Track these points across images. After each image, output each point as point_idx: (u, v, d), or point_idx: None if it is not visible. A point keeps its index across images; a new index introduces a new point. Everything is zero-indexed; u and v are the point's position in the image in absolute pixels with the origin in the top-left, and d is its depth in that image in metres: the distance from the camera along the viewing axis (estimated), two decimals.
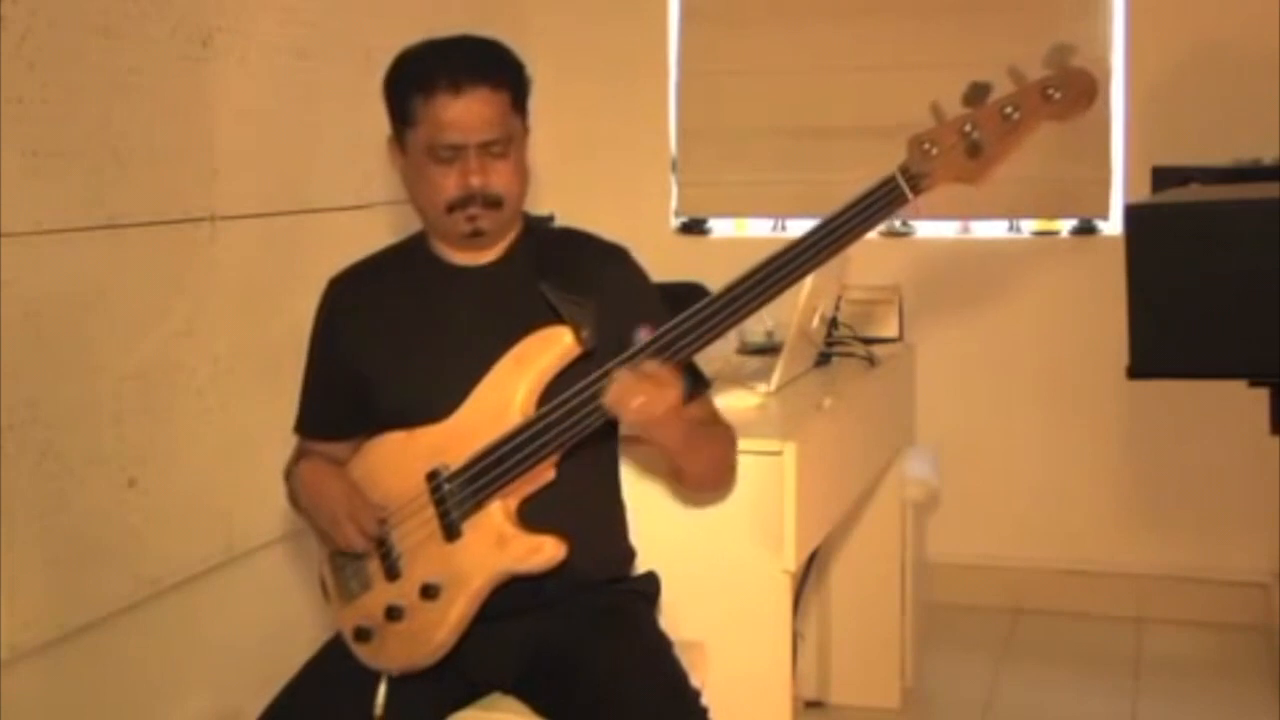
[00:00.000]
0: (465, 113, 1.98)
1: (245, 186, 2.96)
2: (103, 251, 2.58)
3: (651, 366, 1.89)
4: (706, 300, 1.92)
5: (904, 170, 1.86)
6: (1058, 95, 1.81)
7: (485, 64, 2.03)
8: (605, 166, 4.42)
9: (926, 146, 1.85)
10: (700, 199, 4.42)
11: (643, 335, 1.92)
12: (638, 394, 1.89)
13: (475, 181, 2.01)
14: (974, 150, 1.84)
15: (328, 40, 3.24)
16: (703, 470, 2.17)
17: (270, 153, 3.07)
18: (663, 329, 1.92)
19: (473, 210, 2.03)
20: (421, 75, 2.01)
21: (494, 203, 2.03)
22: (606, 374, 1.91)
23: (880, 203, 1.87)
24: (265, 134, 3.05)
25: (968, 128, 1.84)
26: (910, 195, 1.86)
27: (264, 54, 3.04)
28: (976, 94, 1.83)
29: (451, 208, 2.03)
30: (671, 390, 1.90)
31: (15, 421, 2.38)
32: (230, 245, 2.91)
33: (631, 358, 1.91)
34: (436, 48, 2.06)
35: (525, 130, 2.08)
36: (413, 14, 3.45)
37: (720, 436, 2.16)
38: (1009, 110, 1.82)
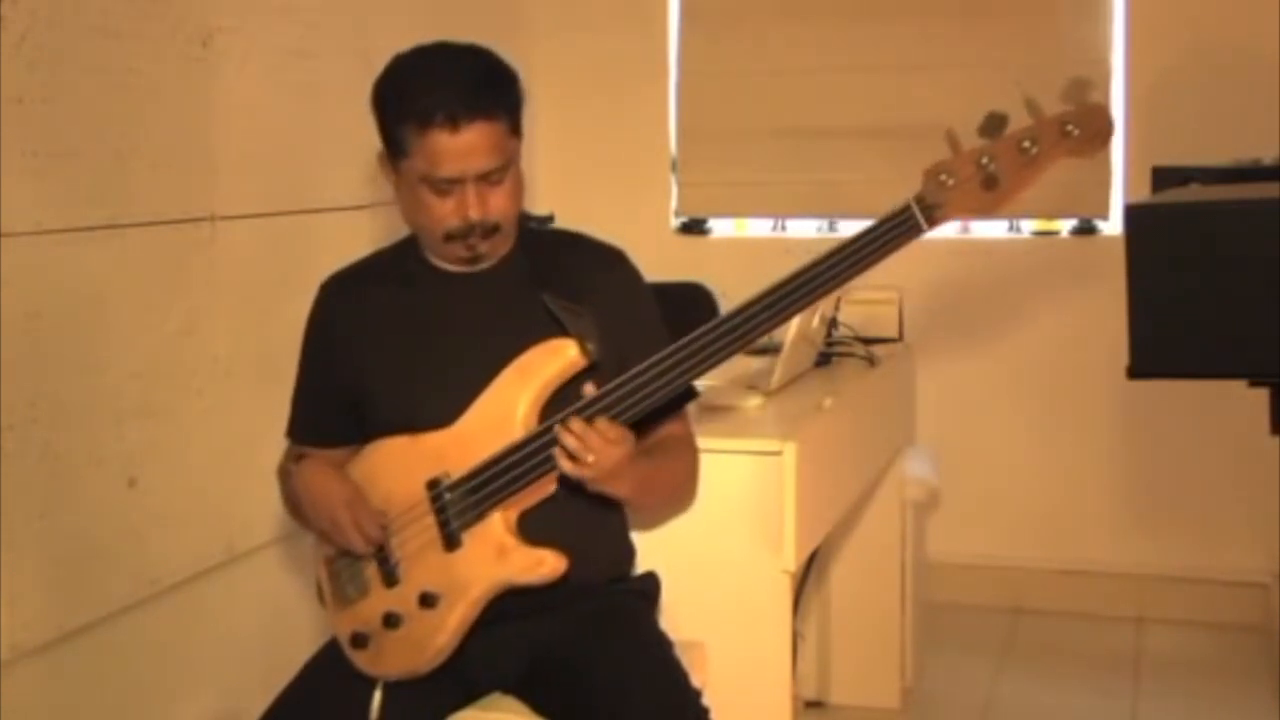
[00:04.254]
0: (463, 148, 1.93)
1: (245, 186, 2.96)
2: (103, 251, 2.58)
3: (602, 424, 1.89)
4: (715, 321, 1.91)
5: (919, 200, 1.84)
6: (1076, 132, 1.80)
7: (482, 95, 1.95)
8: (605, 166, 4.42)
9: (943, 178, 1.83)
10: (700, 199, 4.42)
11: (588, 390, 1.91)
12: (587, 452, 1.89)
13: (474, 215, 1.98)
14: (990, 183, 1.82)
15: (328, 40, 3.23)
16: (655, 504, 2.20)
17: (270, 153, 3.07)
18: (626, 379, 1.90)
19: (472, 240, 2.01)
20: (415, 108, 1.94)
21: (492, 230, 2.01)
22: (595, 402, 1.90)
23: (894, 233, 1.85)
24: (265, 134, 3.05)
25: (984, 160, 1.82)
26: (925, 226, 1.84)
27: (264, 54, 3.03)
28: (993, 125, 1.81)
29: (450, 237, 2.01)
30: (619, 449, 1.90)
31: (15, 421, 2.38)
32: (230, 245, 2.90)
33: (585, 409, 1.90)
34: (429, 73, 1.97)
35: (520, 143, 2.04)
36: (413, 14, 3.45)
37: (674, 467, 2.14)
38: (1027, 144, 1.81)
